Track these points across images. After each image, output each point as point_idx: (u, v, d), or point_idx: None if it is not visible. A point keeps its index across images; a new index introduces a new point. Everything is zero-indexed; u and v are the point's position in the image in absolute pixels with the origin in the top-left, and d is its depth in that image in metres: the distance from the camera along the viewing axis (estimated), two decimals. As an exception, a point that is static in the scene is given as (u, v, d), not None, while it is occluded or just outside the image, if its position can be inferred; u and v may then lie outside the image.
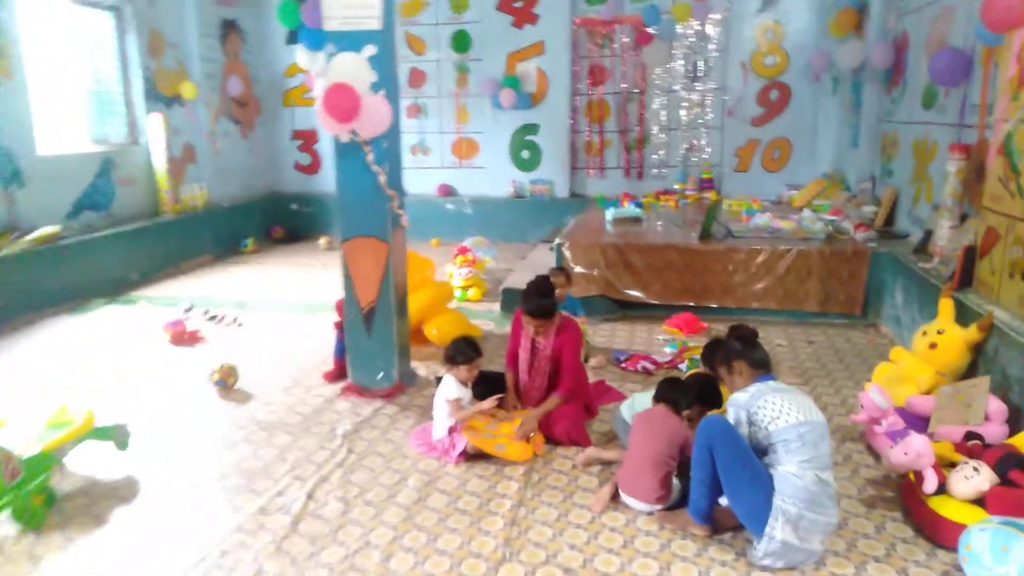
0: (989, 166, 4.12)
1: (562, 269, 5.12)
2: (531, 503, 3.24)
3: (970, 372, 3.89)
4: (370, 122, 3.99)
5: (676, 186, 8.95)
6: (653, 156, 9.22)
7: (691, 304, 5.89)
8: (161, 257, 7.76)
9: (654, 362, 4.79)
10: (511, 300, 6.05)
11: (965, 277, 4.27)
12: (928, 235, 5.30)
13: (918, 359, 4.00)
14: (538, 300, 3.84)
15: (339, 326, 4.63)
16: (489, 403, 3.68)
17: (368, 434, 3.95)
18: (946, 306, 4.09)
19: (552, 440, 3.79)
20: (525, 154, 9.41)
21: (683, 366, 4.77)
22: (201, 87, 8.57)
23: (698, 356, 4.76)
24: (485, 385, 4.02)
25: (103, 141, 7.60)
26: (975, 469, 2.89)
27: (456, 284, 6.70)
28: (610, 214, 7.04)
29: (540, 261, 6.65)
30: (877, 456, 3.59)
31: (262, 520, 3.14)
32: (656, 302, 5.93)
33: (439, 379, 4.09)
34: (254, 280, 7.69)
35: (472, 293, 6.65)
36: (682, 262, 5.86)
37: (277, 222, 9.86)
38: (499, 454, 3.57)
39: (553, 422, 3.80)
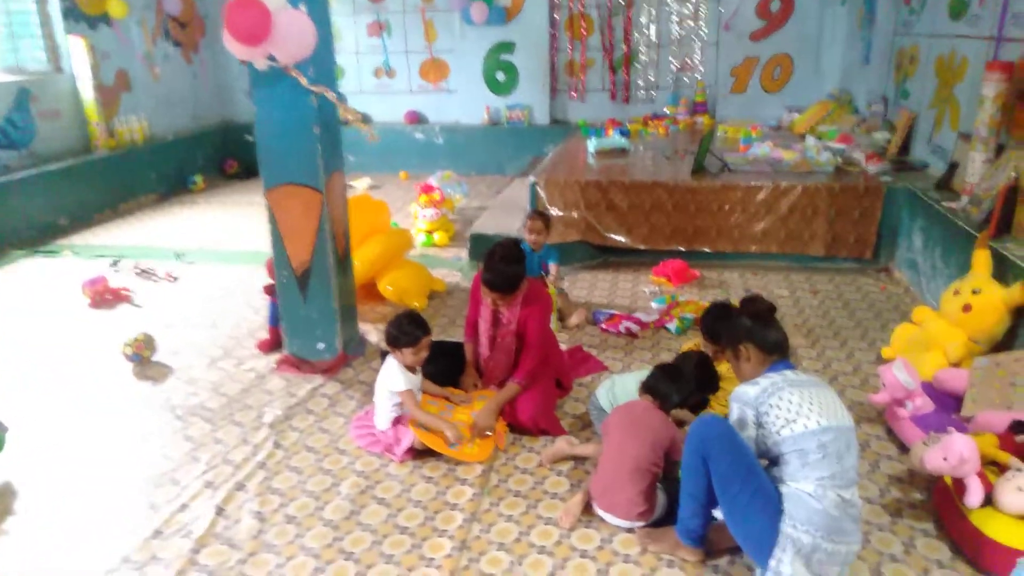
0: (1041, 89, 3.42)
1: (540, 214, 4.43)
2: (487, 516, 2.67)
3: (1006, 341, 3.30)
4: (287, 44, 3.22)
5: (666, 110, 8.15)
6: (640, 80, 8.37)
7: (681, 249, 5.24)
8: (94, 200, 6.99)
9: (638, 322, 4.18)
10: (481, 247, 5.36)
11: (1003, 222, 3.63)
12: (953, 168, 4.62)
13: (947, 322, 3.40)
14: (501, 268, 3.17)
15: (271, 290, 3.97)
16: (450, 431, 3.01)
17: (301, 422, 3.35)
18: (982, 258, 3.46)
19: (516, 428, 3.20)
20: (500, 76, 8.54)
21: (671, 326, 4.16)
22: (133, 5, 7.58)
23: (689, 315, 4.15)
24: (441, 360, 3.41)
25: (18, 70, 6.70)
26: (1032, 479, 2.33)
27: (420, 227, 6.01)
28: (592, 145, 6.30)
29: (517, 198, 5.95)
30: (900, 444, 3.03)
31: (155, 548, 2.56)
32: (642, 247, 5.27)
33: (384, 354, 3.47)
34: (201, 223, 6.96)
35: (438, 237, 5.97)
36: (672, 202, 5.17)
37: (230, 155, 9.00)
38: (453, 454, 2.98)
39: (517, 406, 3.21)
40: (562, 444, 2.99)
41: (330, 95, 3.40)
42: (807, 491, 2.16)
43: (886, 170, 5.22)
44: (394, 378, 3.07)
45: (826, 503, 2.15)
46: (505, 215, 5.74)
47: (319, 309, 3.78)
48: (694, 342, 3.34)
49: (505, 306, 3.28)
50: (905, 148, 5.65)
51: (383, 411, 3.12)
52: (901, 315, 4.32)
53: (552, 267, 4.40)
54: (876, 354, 3.82)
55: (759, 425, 2.25)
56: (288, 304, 3.81)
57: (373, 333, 4.26)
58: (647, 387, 2.75)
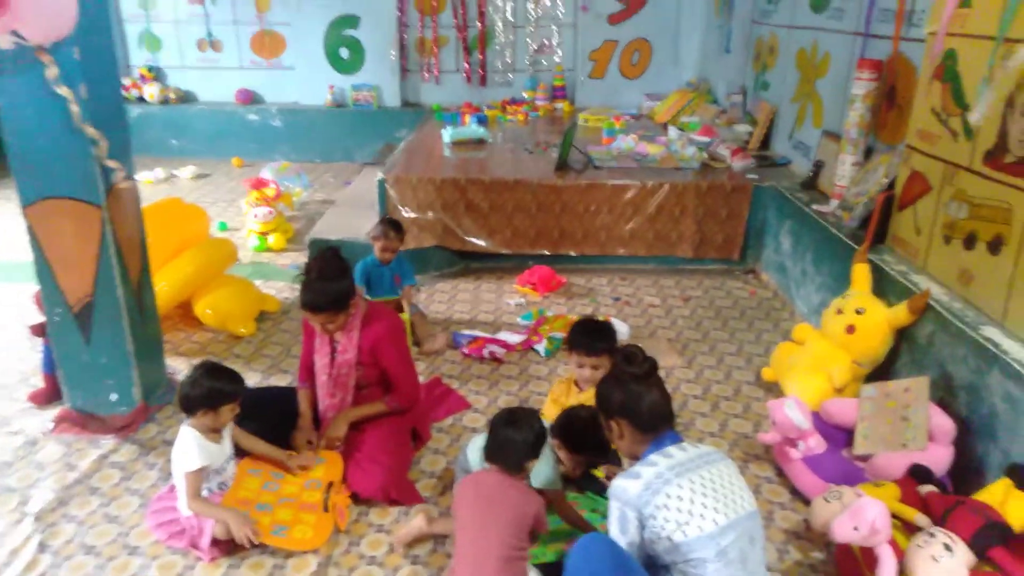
0: (919, 92, 3.24)
1: (392, 224, 3.83)
2: (323, 636, 2.11)
3: (888, 362, 3.11)
4: (35, 16, 2.41)
5: (525, 95, 7.71)
6: (497, 62, 7.87)
7: (546, 253, 4.82)
8: None
9: (504, 345, 3.70)
10: (321, 254, 4.69)
11: (877, 232, 3.46)
12: (819, 168, 4.48)
13: (830, 344, 3.17)
14: (320, 287, 2.58)
15: (40, 331, 3.14)
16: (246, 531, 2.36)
17: (81, 507, 2.60)
18: (862, 273, 3.26)
19: (361, 498, 2.64)
20: (344, 53, 7.73)
21: (540, 347, 3.72)
22: None
23: (558, 334, 3.73)
24: (262, 417, 2.76)
25: None
26: (946, 547, 2.07)
27: (252, 228, 5.22)
28: (448, 135, 5.73)
29: (366, 193, 5.24)
30: (793, 488, 2.75)
31: None
32: (505, 251, 4.80)
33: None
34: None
35: (274, 240, 5.21)
36: (536, 202, 4.72)
37: None
38: (277, 542, 2.37)
39: (362, 471, 2.64)
40: (420, 521, 2.45)
41: (72, 107, 2.58)
42: None
43: (751, 167, 5.05)
44: (186, 454, 2.39)
45: (734, 617, 1.77)
46: (352, 214, 5.07)
47: (108, 352, 3.00)
48: (565, 379, 2.91)
49: (338, 330, 2.69)
50: (766, 143, 5.52)
51: (184, 493, 2.45)
52: (773, 324, 4.13)
53: (407, 288, 3.83)
54: (755, 374, 3.57)
55: (643, 528, 1.84)
56: (65, 348, 3.00)
57: (187, 371, 3.49)
58: (488, 454, 2.22)
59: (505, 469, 2.14)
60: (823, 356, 3.15)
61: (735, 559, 1.78)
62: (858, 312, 3.09)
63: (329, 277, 2.58)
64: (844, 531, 2.13)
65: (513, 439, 2.14)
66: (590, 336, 2.75)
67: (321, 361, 2.80)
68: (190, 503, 2.36)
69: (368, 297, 3.79)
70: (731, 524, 1.80)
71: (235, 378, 2.51)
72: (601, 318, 3.89)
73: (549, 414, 2.79)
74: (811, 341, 3.27)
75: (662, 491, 1.80)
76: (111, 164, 2.72)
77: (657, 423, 1.98)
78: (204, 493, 2.45)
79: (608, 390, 2.02)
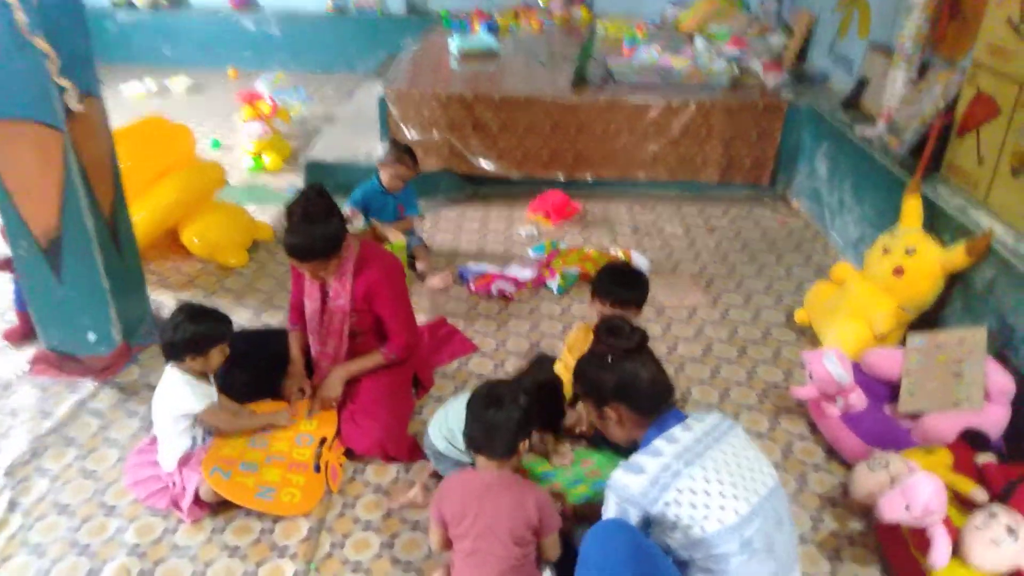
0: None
1: (407, 149, 3.51)
2: (313, 613, 1.93)
3: (935, 308, 2.82)
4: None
5: (539, 1, 7.13)
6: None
7: (560, 178, 4.47)
8: None
9: (514, 281, 3.42)
10: (319, 177, 4.37)
11: (931, 161, 3.10)
12: (862, 85, 4.07)
13: (874, 287, 2.87)
14: (304, 229, 2.28)
15: (7, 265, 2.88)
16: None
17: (55, 460, 2.41)
18: (914, 209, 2.92)
19: (356, 454, 2.43)
20: (344, -48, 7.14)
21: (552, 284, 3.44)
22: None
23: (573, 269, 3.45)
24: (250, 363, 2.52)
25: None
26: (1009, 530, 1.84)
27: (246, 148, 4.88)
28: (456, 45, 5.28)
29: (367, 109, 4.82)
30: (828, 447, 2.52)
31: None
32: (516, 176, 4.46)
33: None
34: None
35: (269, 161, 4.87)
36: (550, 122, 4.34)
37: None
38: (265, 507, 2.17)
39: (357, 425, 2.42)
40: (416, 494, 2.24)
41: (18, 15, 2.22)
42: None
43: (786, 83, 4.62)
44: (180, 397, 2.19)
45: (764, 612, 1.56)
46: (352, 133, 4.71)
47: (82, 289, 2.76)
48: (584, 326, 2.62)
49: (329, 276, 2.43)
50: (803, 55, 5.06)
51: (169, 444, 2.25)
52: (804, 257, 3.83)
53: (409, 219, 3.54)
54: (785, 314, 3.30)
55: (649, 526, 1.60)
56: (35, 285, 2.75)
57: (174, 305, 3.24)
58: (471, 442, 1.89)
59: (494, 458, 1.85)
60: (865, 300, 2.86)
61: (761, 548, 1.56)
62: (908, 252, 2.77)
63: (315, 219, 2.28)
64: (894, 510, 1.90)
65: (498, 422, 1.82)
66: (619, 284, 2.39)
67: (311, 307, 2.54)
68: (231, 426, 2.31)
69: (366, 223, 3.50)
70: (754, 510, 1.56)
71: (221, 318, 2.27)
72: (619, 251, 3.61)
73: (567, 363, 2.54)
74: (851, 282, 2.97)
75: (671, 486, 1.55)
76: (62, 83, 2.38)
77: (659, 402, 1.73)
78: (187, 444, 2.24)
79: (596, 372, 1.74)
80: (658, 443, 1.63)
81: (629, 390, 1.70)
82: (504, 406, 1.83)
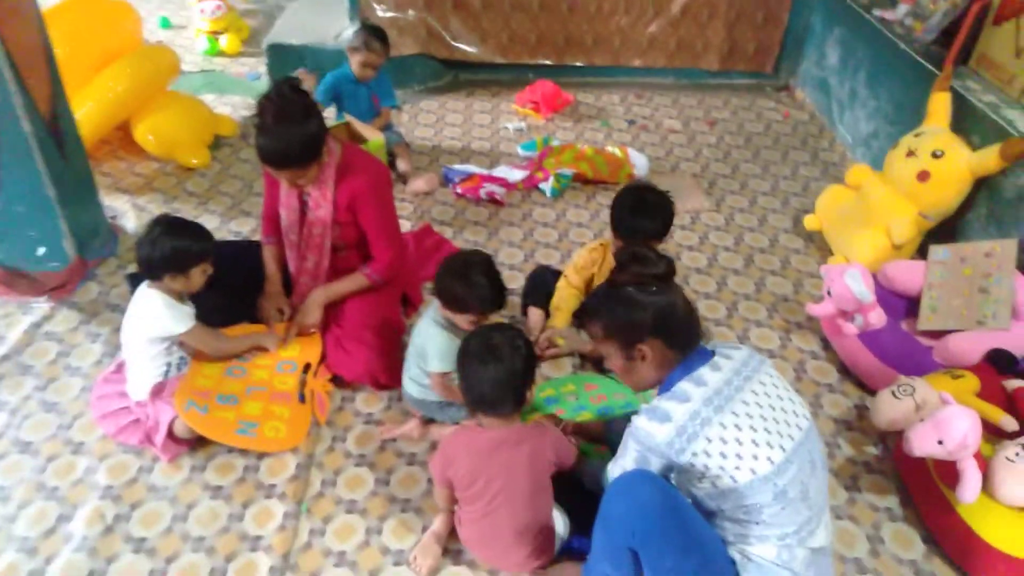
0: None
1: (376, 30, 3.10)
2: (306, 559, 1.80)
3: (957, 214, 2.65)
4: None
5: None
6: None
7: (549, 63, 4.11)
8: None
9: (504, 183, 3.17)
10: (283, 64, 3.95)
11: (962, 50, 2.83)
12: (883, -39, 3.70)
13: (894, 192, 2.68)
14: (279, 132, 1.98)
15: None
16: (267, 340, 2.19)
17: (13, 391, 2.19)
18: (941, 105, 2.70)
19: (345, 382, 2.25)
20: None
21: (546, 187, 3.19)
22: None
23: (567, 170, 3.19)
24: (220, 282, 2.26)
25: None
26: (1043, 463, 1.75)
27: (200, 28, 4.39)
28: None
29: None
30: (842, 366, 2.40)
31: None
32: (501, 60, 4.09)
33: (132, 278, 2.33)
34: None
35: (227, 43, 4.40)
36: None
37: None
38: (246, 443, 2.00)
39: (344, 351, 2.23)
40: (412, 428, 2.09)
41: None
42: (769, 557, 1.45)
43: (796, -44, 4.21)
44: (157, 319, 1.96)
45: (795, 564, 1.46)
46: (317, 11, 4.24)
47: (24, 199, 2.45)
48: (599, 245, 2.37)
49: (308, 183, 2.16)
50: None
51: (140, 371, 2.04)
52: (811, 154, 3.61)
53: (386, 111, 3.21)
54: (792, 218, 3.12)
55: (671, 473, 1.47)
56: (-31, 194, 2.43)
57: (132, 213, 2.97)
58: (471, 403, 1.68)
59: (503, 415, 1.68)
60: (883, 206, 2.68)
61: (795, 496, 1.44)
62: (935, 156, 2.56)
63: (291, 119, 1.98)
64: (925, 444, 1.79)
65: (500, 377, 1.61)
66: (644, 217, 2.10)
67: (289, 218, 2.28)
68: (218, 349, 2.14)
69: (339, 117, 3.18)
70: (788, 457, 1.43)
71: (201, 233, 2.02)
72: (616, 148, 3.34)
73: (572, 282, 2.34)
74: (869, 187, 2.77)
75: (700, 435, 1.40)
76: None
77: (692, 337, 1.55)
78: (161, 371, 2.03)
79: (627, 305, 1.53)
80: (685, 386, 1.47)
81: (668, 322, 1.51)
82: (503, 358, 1.63)
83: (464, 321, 1.92)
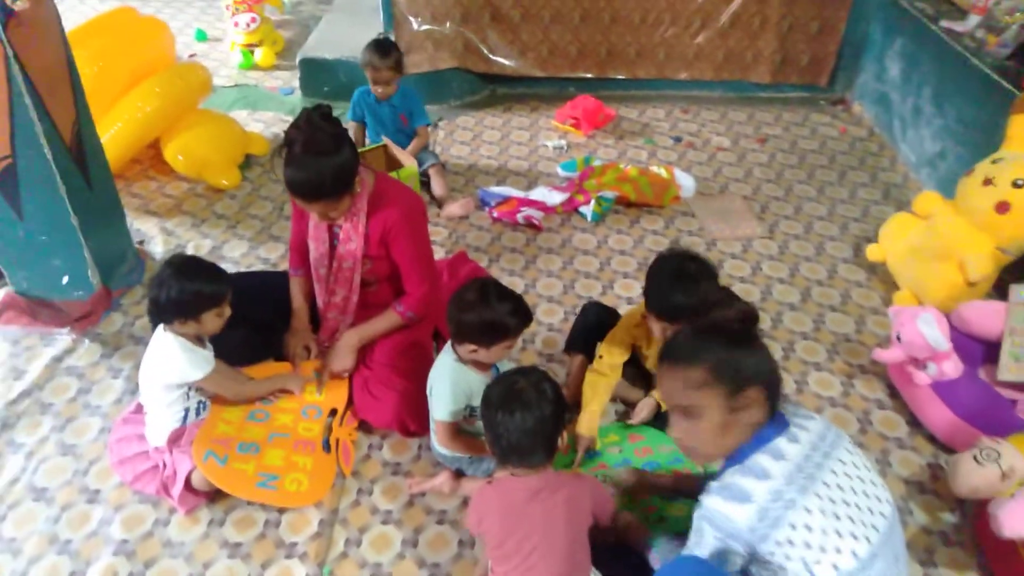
0: None
1: (380, 45, 2.96)
2: (328, 629, 1.67)
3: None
4: None
5: None
6: None
7: (590, 76, 3.95)
8: None
9: (542, 207, 3.01)
10: (316, 80, 3.87)
11: (1043, 67, 2.60)
12: (951, -33, 3.45)
13: (969, 223, 2.45)
14: (308, 163, 1.85)
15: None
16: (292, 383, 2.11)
17: (30, 432, 2.11)
18: (1022, 129, 2.46)
19: (370, 427, 2.12)
20: None
21: (586, 211, 3.02)
22: None
23: (609, 193, 3.03)
24: (243, 317, 2.15)
25: None
26: None
27: (236, 41, 4.32)
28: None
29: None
30: (911, 418, 2.20)
31: None
32: (540, 74, 3.93)
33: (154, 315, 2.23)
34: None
35: (261, 56, 4.32)
36: (579, 9, 3.76)
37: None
38: (266, 498, 1.88)
39: (372, 396, 2.10)
40: (443, 481, 1.94)
41: None
42: None
43: (853, -38, 3.98)
44: (173, 364, 1.86)
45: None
46: (351, 25, 4.14)
47: (47, 227, 2.37)
48: (640, 317, 2.13)
49: (340, 216, 2.03)
50: (871, -73, 4.36)
51: (157, 417, 1.94)
52: (870, 175, 3.38)
53: (421, 130, 3.09)
54: (852, 247, 2.91)
55: (752, 564, 1.30)
56: (-8, 222, 2.37)
57: (160, 237, 2.89)
58: (501, 456, 1.57)
59: (533, 465, 1.54)
60: (956, 239, 2.45)
61: None
62: (1016, 185, 2.33)
63: (321, 149, 1.86)
64: (1018, 525, 1.59)
65: (528, 426, 1.49)
66: (677, 289, 1.81)
67: (318, 250, 2.16)
68: (238, 392, 2.03)
69: (368, 142, 3.07)
70: (873, 551, 1.26)
71: (214, 275, 1.91)
72: (662, 169, 3.16)
73: (604, 367, 2.05)
74: (940, 217, 2.54)
75: (784, 520, 1.24)
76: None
77: (778, 396, 1.37)
78: (179, 417, 1.92)
79: (742, 349, 1.36)
80: (761, 459, 1.30)
81: (771, 376, 1.36)
82: (531, 405, 1.51)
83: (497, 353, 1.79)
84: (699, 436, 1.37)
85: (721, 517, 1.28)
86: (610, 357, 2.04)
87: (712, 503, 1.30)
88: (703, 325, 1.42)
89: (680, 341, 1.43)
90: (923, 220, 2.62)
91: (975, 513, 1.88)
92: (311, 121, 1.87)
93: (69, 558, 1.79)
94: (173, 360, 1.86)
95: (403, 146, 3.04)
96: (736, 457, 1.35)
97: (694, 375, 1.34)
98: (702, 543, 1.33)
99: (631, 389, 2.18)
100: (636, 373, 2.15)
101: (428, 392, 1.89)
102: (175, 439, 1.93)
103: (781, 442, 1.32)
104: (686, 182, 3.17)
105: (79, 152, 2.40)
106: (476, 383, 1.84)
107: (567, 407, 1.62)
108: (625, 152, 3.50)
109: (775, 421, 1.36)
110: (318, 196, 1.91)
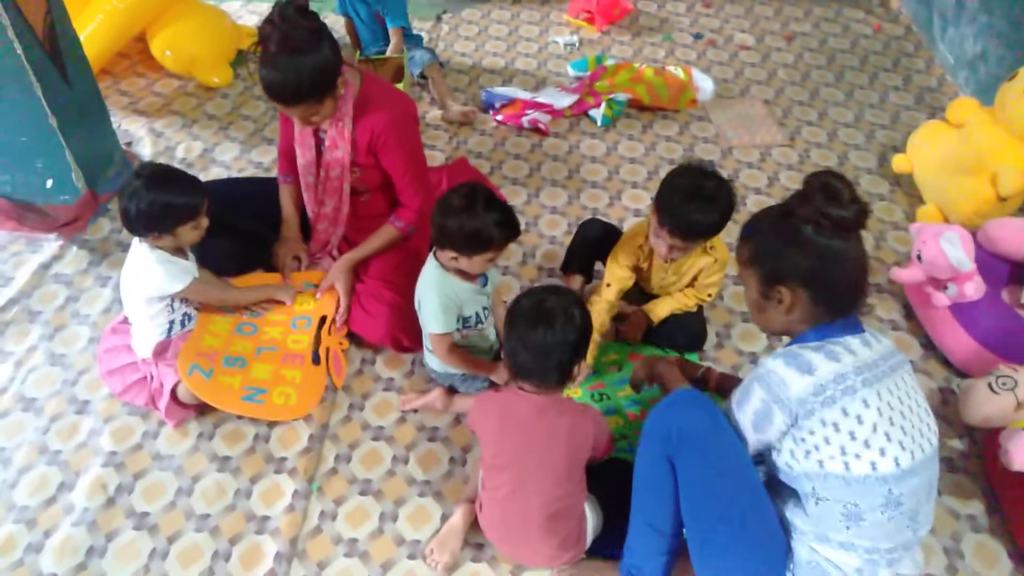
0: None
1: None
2: (315, 547, 1.66)
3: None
4: None
5: None
6: None
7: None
8: None
9: (549, 110, 2.84)
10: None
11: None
12: None
13: (1006, 132, 2.27)
14: (283, 63, 1.70)
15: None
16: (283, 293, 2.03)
17: (18, 340, 2.07)
18: (1077, 28, 2.24)
19: (364, 342, 2.07)
20: None
21: (596, 114, 2.85)
22: None
23: (621, 95, 2.85)
24: (230, 226, 2.08)
25: None
26: None
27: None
28: None
29: None
30: (925, 340, 2.10)
31: None
32: (552, -38, 3.65)
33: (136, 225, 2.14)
34: None
35: (255, -59, 4.03)
36: None
37: None
38: (253, 411, 1.84)
39: (364, 309, 2.03)
40: (436, 398, 1.89)
41: None
42: (848, 567, 1.25)
43: None
44: (150, 278, 1.79)
45: (868, 586, 1.26)
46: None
47: (26, 129, 2.26)
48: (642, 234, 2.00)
49: (323, 120, 1.91)
50: None
51: (141, 329, 1.89)
52: (903, 78, 3.15)
53: (394, 32, 2.87)
54: (877, 156, 2.73)
55: (787, 436, 1.28)
56: (-32, 122, 2.25)
57: (148, 139, 2.77)
58: (515, 370, 1.48)
59: (545, 387, 1.47)
60: (992, 150, 2.27)
61: (905, 513, 1.24)
62: (1063, 91, 2.14)
63: (299, 47, 1.71)
64: (1028, 460, 1.52)
65: (549, 345, 1.41)
66: (697, 210, 1.69)
67: (305, 157, 2.04)
68: (222, 299, 1.97)
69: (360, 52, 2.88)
70: (915, 467, 1.23)
71: (188, 187, 1.79)
72: (679, 69, 2.96)
73: (608, 293, 1.94)
74: (975, 125, 2.35)
75: (839, 403, 1.21)
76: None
77: (849, 303, 1.31)
78: (163, 330, 1.87)
79: (783, 242, 1.29)
80: (835, 347, 1.26)
81: (827, 277, 1.27)
82: (556, 325, 1.42)
83: (479, 264, 1.69)
84: (752, 306, 1.41)
85: (777, 380, 1.25)
86: (617, 283, 1.94)
87: (773, 364, 1.27)
88: (788, 209, 1.30)
89: (758, 216, 1.39)
90: (956, 129, 2.44)
91: (986, 443, 1.81)
92: (285, 16, 1.71)
93: (59, 469, 1.79)
94: (150, 273, 1.78)
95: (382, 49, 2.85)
96: (804, 338, 1.31)
97: (742, 249, 1.37)
98: (745, 402, 1.32)
99: (625, 305, 2.08)
100: (633, 290, 2.05)
101: (417, 306, 1.81)
102: (160, 352, 1.88)
103: (854, 341, 1.28)
104: (704, 84, 2.96)
105: (53, 46, 2.25)
106: (464, 292, 1.75)
107: (590, 336, 1.53)
108: (641, 50, 3.27)
109: (853, 324, 1.31)
110: (297, 99, 1.77)
